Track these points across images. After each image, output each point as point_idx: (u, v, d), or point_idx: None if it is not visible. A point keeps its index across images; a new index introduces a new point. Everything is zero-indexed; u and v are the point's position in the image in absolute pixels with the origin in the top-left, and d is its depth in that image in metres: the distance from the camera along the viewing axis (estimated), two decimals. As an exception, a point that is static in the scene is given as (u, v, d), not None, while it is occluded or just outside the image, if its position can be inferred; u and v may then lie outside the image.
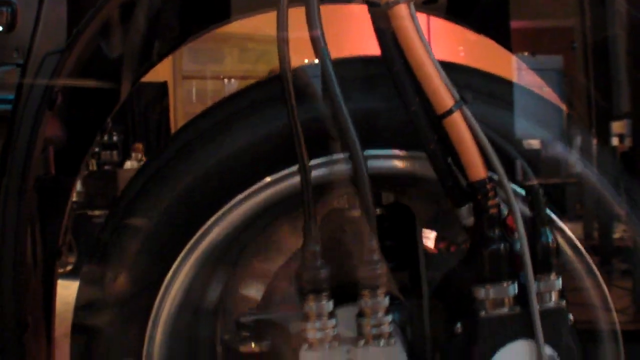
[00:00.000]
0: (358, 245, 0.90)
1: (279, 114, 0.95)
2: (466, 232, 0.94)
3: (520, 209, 0.92)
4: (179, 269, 0.99)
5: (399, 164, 0.99)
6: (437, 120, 0.91)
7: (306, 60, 0.96)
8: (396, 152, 0.99)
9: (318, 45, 0.90)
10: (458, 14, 1.28)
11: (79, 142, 1.13)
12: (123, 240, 1.00)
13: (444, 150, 0.92)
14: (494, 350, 0.90)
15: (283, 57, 0.90)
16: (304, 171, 0.90)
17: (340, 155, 0.95)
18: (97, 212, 4.29)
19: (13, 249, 0.98)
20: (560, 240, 0.98)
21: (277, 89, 0.94)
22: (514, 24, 1.27)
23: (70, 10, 1.00)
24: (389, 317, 0.91)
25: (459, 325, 0.92)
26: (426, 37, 0.91)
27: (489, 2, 1.30)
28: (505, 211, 0.93)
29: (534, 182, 0.94)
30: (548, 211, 0.95)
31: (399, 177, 1.00)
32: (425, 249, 1.06)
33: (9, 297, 0.99)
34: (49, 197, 1.06)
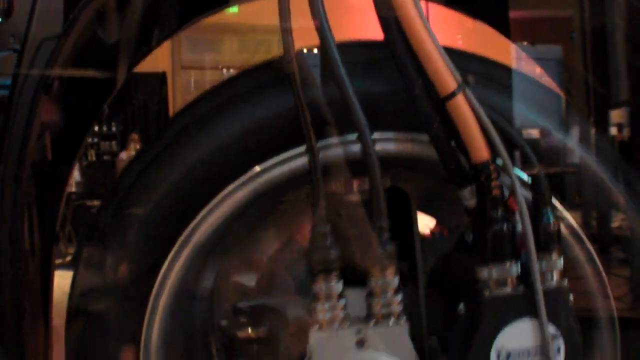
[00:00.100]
0: (364, 227, 0.90)
1: (279, 97, 0.96)
2: (468, 214, 0.94)
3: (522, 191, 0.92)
4: (178, 254, 0.99)
5: (398, 146, 0.99)
6: (440, 103, 0.91)
7: (305, 50, 0.96)
8: (396, 135, 0.99)
9: (322, 26, 0.90)
10: (458, 1, 1.28)
11: (75, 128, 1.13)
12: (121, 226, 1.00)
13: (446, 132, 0.92)
14: (498, 329, 0.90)
15: (286, 35, 0.91)
16: (312, 153, 0.91)
17: (339, 139, 0.95)
18: (96, 202, 4.29)
19: (10, 235, 0.98)
20: (563, 228, 0.98)
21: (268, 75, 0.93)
22: (513, 13, 1.27)
23: (66, -5, 1.00)
24: (399, 297, 0.91)
25: (462, 306, 0.93)
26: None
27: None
28: (507, 193, 0.93)
29: (535, 163, 0.94)
30: (553, 199, 0.95)
31: (398, 160, 1.00)
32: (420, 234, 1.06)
33: (7, 284, 0.99)
34: (45, 182, 1.06)
